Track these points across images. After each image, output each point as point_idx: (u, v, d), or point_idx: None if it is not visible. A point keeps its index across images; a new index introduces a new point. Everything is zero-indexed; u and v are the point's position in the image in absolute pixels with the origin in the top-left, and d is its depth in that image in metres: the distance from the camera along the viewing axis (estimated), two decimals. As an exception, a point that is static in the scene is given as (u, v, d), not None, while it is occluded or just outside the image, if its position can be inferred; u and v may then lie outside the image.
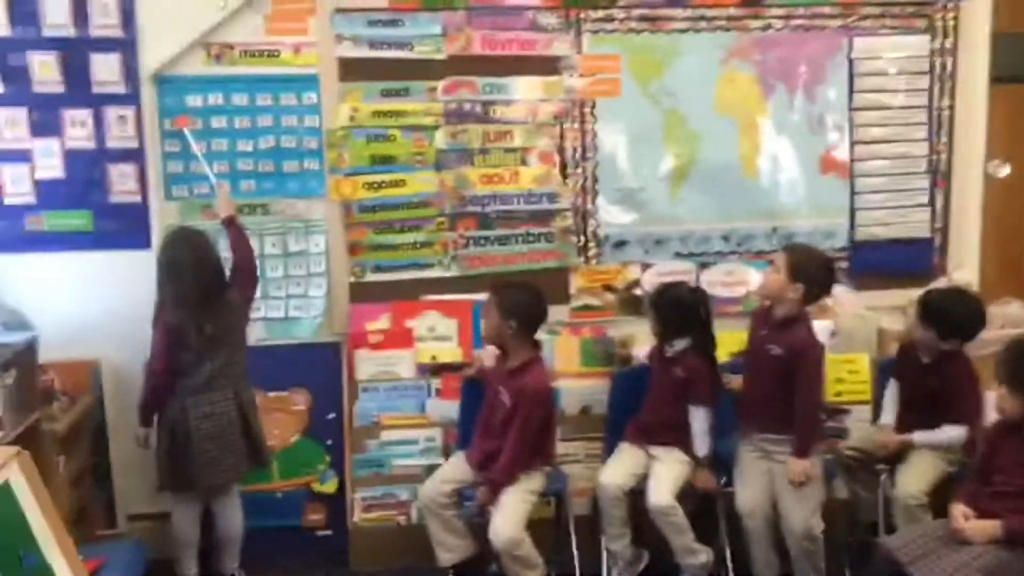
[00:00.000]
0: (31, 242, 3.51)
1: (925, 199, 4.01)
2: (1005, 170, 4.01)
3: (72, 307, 3.52)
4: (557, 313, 3.61)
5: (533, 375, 3.25)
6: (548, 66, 3.74)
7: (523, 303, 3.28)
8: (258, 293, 3.50)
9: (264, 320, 3.67)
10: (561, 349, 3.78)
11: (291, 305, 3.71)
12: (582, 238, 3.84)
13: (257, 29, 3.56)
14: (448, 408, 3.68)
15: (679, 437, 3.36)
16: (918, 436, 3.29)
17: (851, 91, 3.91)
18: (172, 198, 3.60)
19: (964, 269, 4.02)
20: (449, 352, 3.74)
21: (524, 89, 3.73)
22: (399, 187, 3.71)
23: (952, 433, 3.27)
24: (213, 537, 3.38)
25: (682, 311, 3.38)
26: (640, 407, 3.51)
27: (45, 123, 3.46)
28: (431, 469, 3.56)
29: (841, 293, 3.82)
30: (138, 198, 3.56)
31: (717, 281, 3.90)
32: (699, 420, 3.34)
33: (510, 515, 3.15)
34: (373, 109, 3.66)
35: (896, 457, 3.32)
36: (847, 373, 3.78)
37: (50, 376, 3.34)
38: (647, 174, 3.84)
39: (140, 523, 3.66)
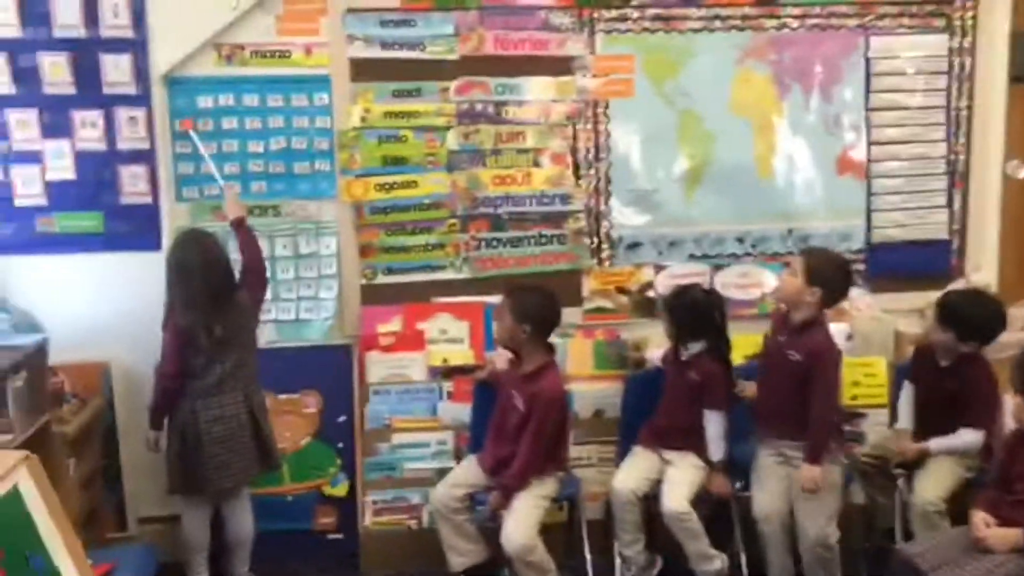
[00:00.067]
0: (42, 244, 3.49)
1: (943, 200, 3.96)
2: (1024, 171, 3.97)
3: (83, 309, 3.50)
4: (570, 315, 3.58)
5: (548, 380, 3.23)
6: (561, 66, 3.71)
7: (537, 307, 3.25)
8: (268, 295, 3.48)
9: (275, 322, 3.65)
10: (574, 352, 3.74)
11: (302, 307, 3.69)
12: (595, 240, 3.81)
13: (268, 30, 3.54)
14: (460, 411, 3.66)
15: (694, 441, 3.32)
16: (934, 444, 3.25)
17: (868, 91, 3.87)
18: (183, 199, 3.58)
19: (982, 271, 3.97)
20: (461, 355, 3.72)
21: (537, 89, 3.70)
22: (411, 188, 3.69)
23: (969, 437, 3.23)
24: (223, 540, 3.36)
25: (697, 314, 3.34)
26: (654, 411, 3.48)
27: (56, 124, 3.45)
28: (442, 472, 3.53)
29: (858, 296, 3.78)
30: (149, 199, 3.54)
31: (731, 283, 3.86)
32: (714, 424, 3.31)
33: (522, 520, 3.12)
34: (385, 110, 3.63)
35: (913, 463, 3.28)
36: (863, 376, 3.73)
37: (60, 378, 3.32)
38: (661, 175, 3.80)
39: (150, 526, 3.64)
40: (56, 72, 3.41)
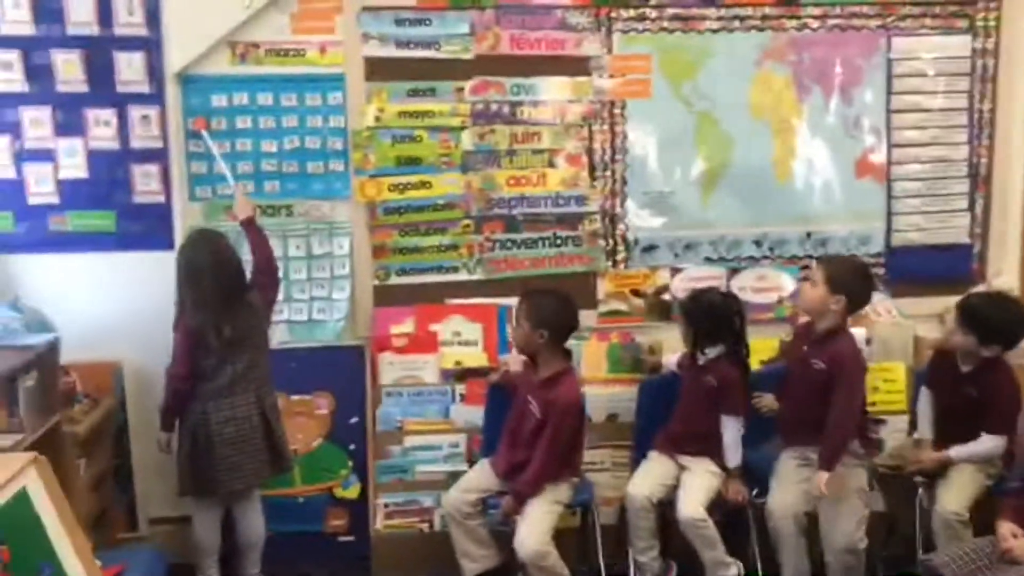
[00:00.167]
0: (54, 242, 3.48)
1: (964, 204, 3.91)
2: (1048, 174, 3.90)
3: (95, 308, 3.48)
4: (584, 318, 3.53)
5: (565, 387, 3.19)
6: (577, 66, 3.67)
7: (554, 312, 3.21)
8: (281, 295, 3.46)
9: (287, 323, 3.63)
10: (588, 355, 3.70)
11: (315, 308, 3.66)
12: (610, 242, 3.77)
13: (283, 28, 3.52)
14: (473, 414, 3.63)
15: (710, 447, 3.29)
16: (955, 452, 3.20)
17: (889, 93, 3.82)
18: (196, 199, 3.56)
19: (1004, 276, 3.92)
20: (474, 357, 3.69)
21: (553, 90, 3.67)
22: (425, 189, 3.66)
23: (990, 444, 3.19)
24: (234, 542, 3.33)
25: (715, 318, 3.31)
26: (669, 415, 3.44)
27: (69, 122, 3.43)
28: (455, 475, 3.50)
29: (877, 300, 3.73)
30: (162, 198, 3.52)
31: (748, 286, 3.82)
32: (731, 430, 3.27)
33: (536, 526, 3.09)
34: (399, 109, 3.61)
35: (933, 473, 3.24)
36: (883, 382, 3.70)
37: (72, 378, 3.31)
38: (678, 177, 3.76)
39: (161, 527, 3.62)
40: (69, 70, 3.40)
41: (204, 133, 3.48)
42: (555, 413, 3.15)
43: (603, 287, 3.78)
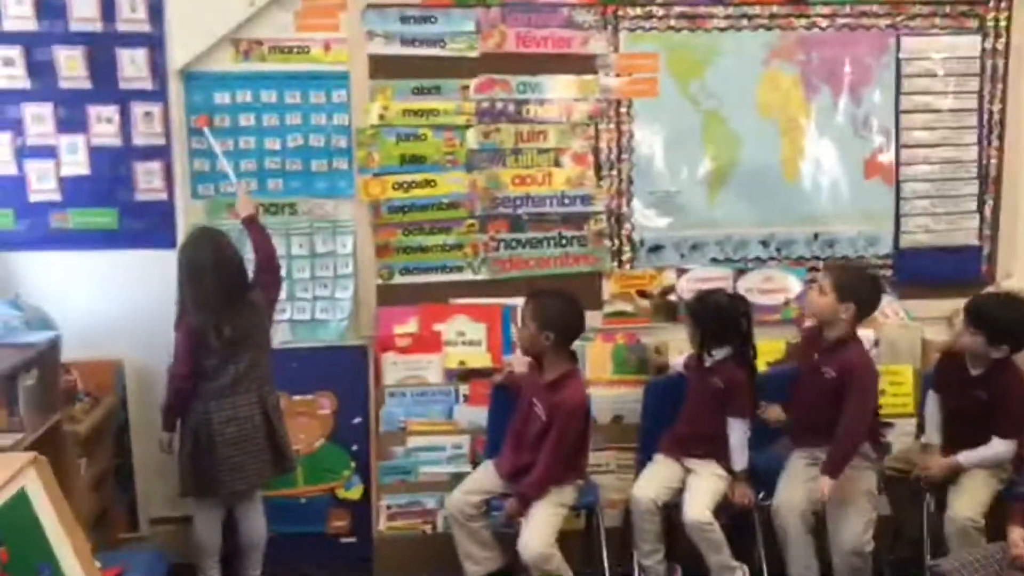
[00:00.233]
0: (56, 240, 3.45)
1: (973, 205, 3.87)
2: (1058, 176, 3.87)
3: (96, 306, 3.46)
4: (589, 319, 3.49)
5: (571, 389, 3.17)
6: (584, 64, 3.64)
7: (561, 314, 3.19)
8: (284, 294, 3.44)
9: (290, 322, 3.60)
10: (593, 356, 3.67)
11: (317, 307, 3.63)
12: (616, 242, 3.74)
13: (287, 25, 3.49)
14: (477, 415, 3.61)
15: (716, 449, 3.27)
16: (965, 457, 3.18)
17: (898, 93, 3.78)
18: (198, 196, 3.53)
19: (1013, 278, 3.88)
20: (478, 357, 3.66)
21: (559, 88, 3.64)
22: (429, 187, 3.63)
23: (1000, 448, 3.17)
24: (236, 543, 3.31)
25: (722, 319, 3.28)
26: (674, 417, 3.42)
27: (71, 119, 3.41)
28: (458, 477, 3.49)
29: (885, 302, 3.70)
30: (164, 196, 3.50)
31: (755, 287, 3.77)
32: (737, 432, 3.25)
33: (540, 528, 3.07)
34: (404, 107, 3.58)
35: (943, 480, 3.21)
36: (890, 385, 3.67)
37: (73, 376, 3.28)
38: (685, 177, 3.73)
39: (162, 526, 3.60)
40: (72, 66, 3.38)
41: (206, 130, 3.45)
42: (561, 416, 3.12)
43: (608, 288, 3.75)
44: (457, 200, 3.65)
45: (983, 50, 3.79)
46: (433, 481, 3.62)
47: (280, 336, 3.50)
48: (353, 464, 3.65)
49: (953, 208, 3.87)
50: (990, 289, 3.79)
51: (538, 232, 3.70)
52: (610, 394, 3.67)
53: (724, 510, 3.22)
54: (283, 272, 3.42)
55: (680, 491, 3.24)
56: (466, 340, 3.67)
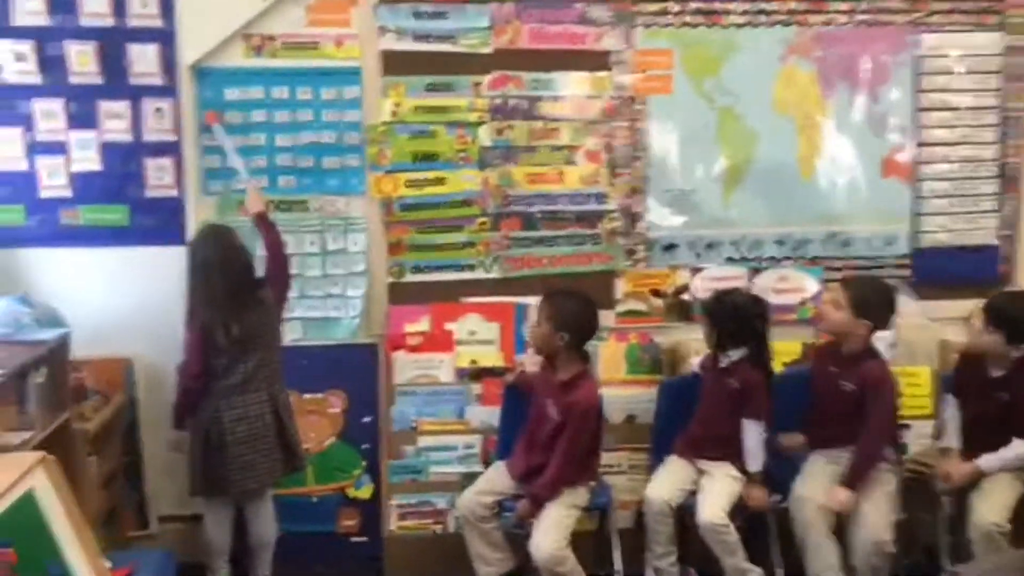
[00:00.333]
0: (66, 236, 3.44)
1: (993, 204, 3.82)
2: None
3: (106, 303, 3.44)
4: (603, 318, 3.47)
5: (584, 390, 3.14)
6: (598, 61, 3.60)
7: (576, 315, 3.16)
8: (294, 292, 3.41)
9: (301, 320, 3.58)
10: (606, 355, 3.64)
11: (329, 305, 3.61)
12: (630, 241, 3.70)
13: (298, 20, 3.47)
14: (488, 414, 3.58)
15: (731, 451, 3.23)
16: (986, 461, 3.13)
17: (917, 90, 3.73)
18: (209, 193, 3.51)
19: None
20: (490, 356, 3.63)
21: (572, 85, 3.60)
22: (441, 185, 3.60)
23: (1021, 450, 3.12)
24: (245, 542, 3.29)
25: (739, 320, 3.24)
26: (688, 418, 3.39)
27: (82, 115, 3.39)
28: (469, 477, 3.47)
29: (902, 302, 3.65)
30: (174, 192, 3.48)
31: (770, 287, 3.73)
32: (753, 434, 3.21)
33: (552, 530, 3.04)
34: (416, 104, 3.55)
35: (963, 486, 3.17)
36: (907, 387, 3.61)
37: (83, 374, 3.26)
38: (699, 175, 3.69)
39: (172, 524, 3.59)
40: (83, 61, 3.36)
41: (217, 126, 3.43)
42: (574, 416, 3.10)
43: (622, 287, 3.72)
44: (470, 198, 3.62)
45: (1004, 47, 3.74)
46: (444, 481, 3.59)
47: (291, 334, 3.48)
48: (363, 463, 3.63)
49: (971, 207, 3.82)
50: (1009, 289, 3.75)
51: (551, 230, 3.66)
52: (623, 394, 3.64)
53: (739, 512, 3.19)
54: (294, 270, 3.40)
55: (694, 493, 3.21)
56: (478, 339, 3.64)
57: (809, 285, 3.76)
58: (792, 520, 3.17)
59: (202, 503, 3.22)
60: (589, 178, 3.66)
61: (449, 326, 3.63)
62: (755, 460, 3.21)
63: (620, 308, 3.71)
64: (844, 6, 3.65)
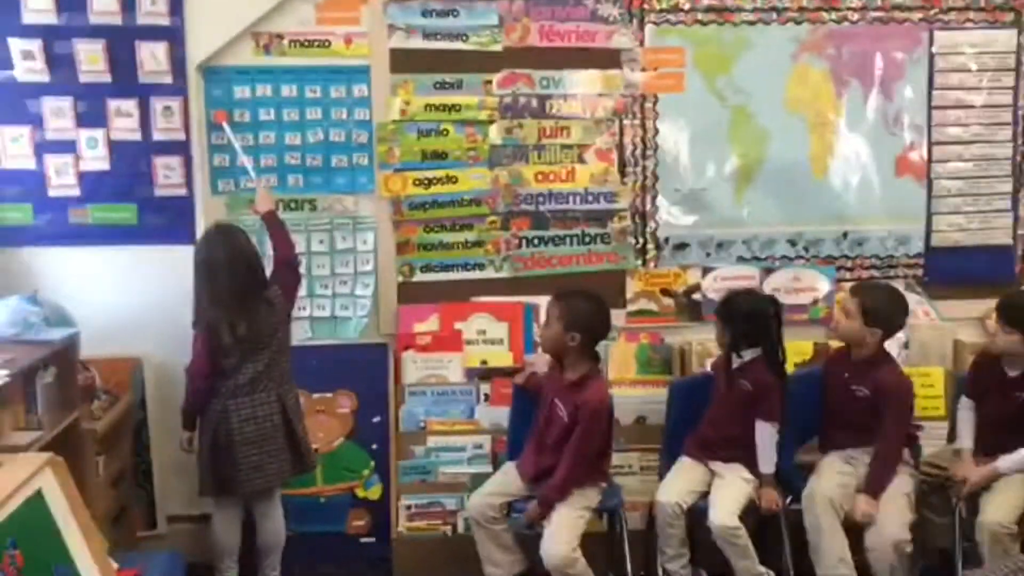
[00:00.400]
0: (75, 235, 3.43)
1: (1007, 204, 3.79)
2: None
3: (115, 303, 3.43)
4: (613, 318, 3.43)
5: (594, 390, 3.11)
6: (608, 59, 3.58)
7: (588, 316, 3.13)
8: (303, 291, 3.40)
9: (309, 319, 3.57)
10: (616, 356, 3.62)
11: (337, 304, 3.60)
12: (640, 240, 3.68)
13: (307, 19, 3.46)
14: (498, 415, 3.55)
15: (743, 453, 3.20)
16: (1004, 463, 3.09)
17: (931, 88, 3.70)
18: (218, 192, 3.51)
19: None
20: (500, 356, 3.61)
21: (583, 83, 3.59)
22: (451, 184, 3.58)
23: None
24: (254, 543, 3.28)
25: (753, 320, 3.21)
26: (699, 418, 3.36)
27: (90, 113, 3.39)
28: (479, 477, 3.43)
29: (915, 302, 3.63)
30: (184, 191, 3.47)
31: (782, 287, 3.71)
32: (765, 436, 3.18)
33: (563, 532, 3.01)
34: (425, 102, 3.53)
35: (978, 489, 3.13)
36: (921, 387, 3.56)
37: (91, 373, 3.26)
38: (711, 174, 3.67)
39: (180, 525, 3.58)
40: (91, 60, 3.35)
41: (225, 125, 3.42)
42: (584, 417, 3.07)
43: (632, 286, 3.69)
44: (479, 196, 3.60)
45: (1019, 45, 3.71)
46: (453, 482, 3.56)
47: (299, 333, 3.47)
48: (373, 463, 3.62)
49: (986, 206, 3.79)
50: (1024, 289, 3.72)
51: (561, 229, 3.65)
52: (633, 394, 3.61)
53: (751, 515, 3.16)
54: (302, 269, 3.39)
55: (705, 495, 3.18)
56: (487, 339, 3.62)
57: (821, 285, 3.73)
58: (804, 517, 3.14)
59: (211, 503, 3.22)
60: (599, 177, 3.63)
61: (458, 326, 3.61)
62: (767, 462, 3.18)
63: (631, 308, 3.70)
64: (857, 3, 3.63)
